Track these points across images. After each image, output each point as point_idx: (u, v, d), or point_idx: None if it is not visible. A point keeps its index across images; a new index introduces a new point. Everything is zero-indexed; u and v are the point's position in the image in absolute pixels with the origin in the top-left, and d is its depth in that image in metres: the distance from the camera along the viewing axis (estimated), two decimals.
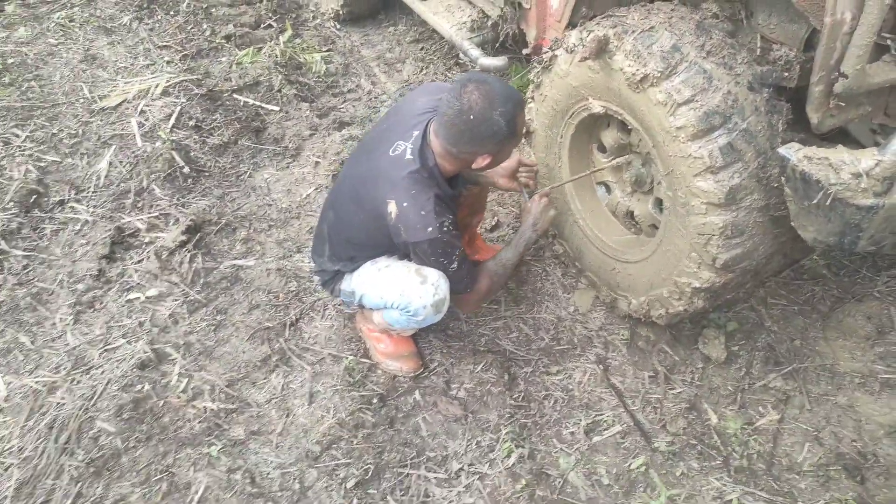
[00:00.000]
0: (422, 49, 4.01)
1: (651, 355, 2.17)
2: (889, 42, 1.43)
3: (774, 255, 1.89)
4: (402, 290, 1.87)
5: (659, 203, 2.09)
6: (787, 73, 1.78)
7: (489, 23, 2.87)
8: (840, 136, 1.90)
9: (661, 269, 2.00)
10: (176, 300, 2.44)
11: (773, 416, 1.97)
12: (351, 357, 2.20)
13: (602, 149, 2.27)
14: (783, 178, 1.58)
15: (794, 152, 1.52)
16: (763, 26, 1.86)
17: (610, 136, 2.19)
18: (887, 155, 1.35)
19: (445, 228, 1.79)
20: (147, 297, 2.44)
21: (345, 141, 3.25)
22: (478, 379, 2.13)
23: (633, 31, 1.87)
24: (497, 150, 1.80)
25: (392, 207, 1.79)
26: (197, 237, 2.69)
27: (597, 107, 2.04)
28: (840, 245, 1.52)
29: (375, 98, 3.63)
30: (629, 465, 1.89)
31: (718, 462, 1.88)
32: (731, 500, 1.78)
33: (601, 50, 1.90)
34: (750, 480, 1.83)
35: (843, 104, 1.55)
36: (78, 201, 2.90)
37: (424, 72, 3.81)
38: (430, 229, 1.76)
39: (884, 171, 1.36)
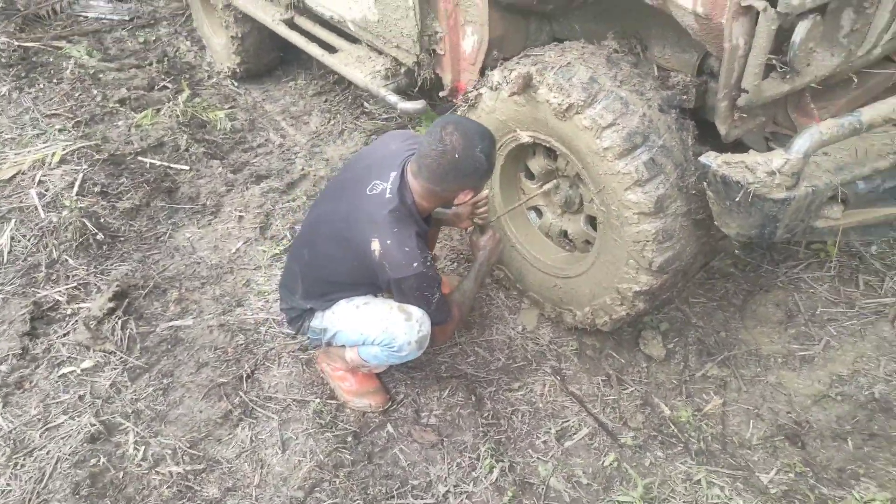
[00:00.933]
0: (325, 101, 4.10)
1: (600, 361, 2.33)
2: (775, 62, 1.70)
3: (698, 255, 2.12)
4: (386, 327, 1.92)
5: (590, 220, 2.28)
6: (685, 96, 2.04)
7: (402, 70, 3.02)
8: (733, 147, 2.20)
9: (601, 279, 2.18)
10: (115, 369, 2.31)
11: (717, 401, 2.17)
12: (317, 400, 2.18)
13: (530, 176, 2.45)
14: (705, 184, 1.80)
15: (712, 159, 1.75)
16: (659, 57, 2.13)
17: (537, 164, 2.37)
18: (792, 154, 1.60)
19: (429, 263, 1.87)
20: (82, 370, 2.29)
21: (265, 193, 3.25)
22: (446, 404, 2.18)
23: (553, 67, 2.07)
24: (477, 185, 1.92)
25: (376, 245, 1.84)
26: (125, 303, 2.57)
27: (525, 137, 2.22)
28: (761, 236, 1.75)
29: (288, 150, 3.66)
30: (602, 463, 2.01)
31: (680, 448, 2.05)
32: (699, 480, 1.94)
33: (526, 85, 2.08)
34: (710, 460, 2.01)
35: (744, 116, 1.81)
36: None
37: (332, 122, 3.89)
38: (415, 264, 1.83)
39: (791, 168, 1.60)
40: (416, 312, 1.93)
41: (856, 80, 1.95)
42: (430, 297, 1.91)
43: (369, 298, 2.02)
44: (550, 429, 2.11)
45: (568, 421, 2.14)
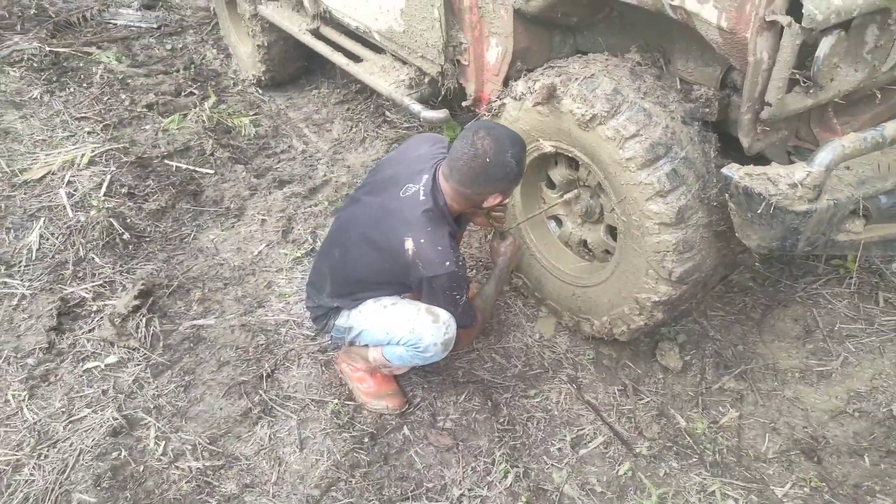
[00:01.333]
0: (348, 109, 4.16)
1: (617, 371, 2.34)
2: (798, 76, 1.72)
3: (718, 267, 2.13)
4: (413, 328, 1.95)
5: (610, 230, 2.30)
6: (707, 109, 2.06)
7: (426, 80, 3.06)
8: (755, 160, 2.21)
9: (620, 289, 2.19)
10: (138, 365, 2.35)
11: (733, 413, 2.17)
12: (335, 401, 2.21)
13: (551, 185, 2.48)
14: (727, 195, 1.82)
15: (735, 171, 1.76)
16: (682, 70, 2.15)
17: (558, 173, 2.39)
18: (814, 167, 1.61)
19: (460, 263, 1.92)
20: (106, 365, 2.34)
21: (287, 198, 3.30)
22: (462, 409, 2.20)
23: (577, 79, 2.10)
24: (506, 189, 1.95)
25: (409, 244, 1.87)
26: (150, 301, 2.62)
27: (547, 147, 2.24)
28: (782, 248, 1.76)
29: (310, 157, 3.71)
30: (617, 472, 2.01)
31: (695, 459, 2.04)
32: (713, 492, 1.94)
33: (550, 96, 2.12)
34: (725, 473, 2.01)
35: (767, 129, 1.83)
36: (10, 276, 2.75)
37: (354, 130, 3.94)
38: (447, 263, 1.87)
39: (813, 180, 1.61)
40: (444, 314, 1.96)
41: (879, 95, 1.96)
42: (458, 298, 1.94)
43: (396, 299, 2.05)
44: (565, 436, 2.12)
45: (583, 429, 2.15)
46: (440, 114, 2.94)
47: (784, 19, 1.57)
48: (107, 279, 2.76)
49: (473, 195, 1.91)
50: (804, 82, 1.71)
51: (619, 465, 2.03)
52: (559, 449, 2.09)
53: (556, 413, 2.19)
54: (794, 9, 1.57)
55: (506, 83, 2.49)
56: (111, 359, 2.36)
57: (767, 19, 1.59)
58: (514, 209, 2.52)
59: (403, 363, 2.06)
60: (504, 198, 1.97)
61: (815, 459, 2.02)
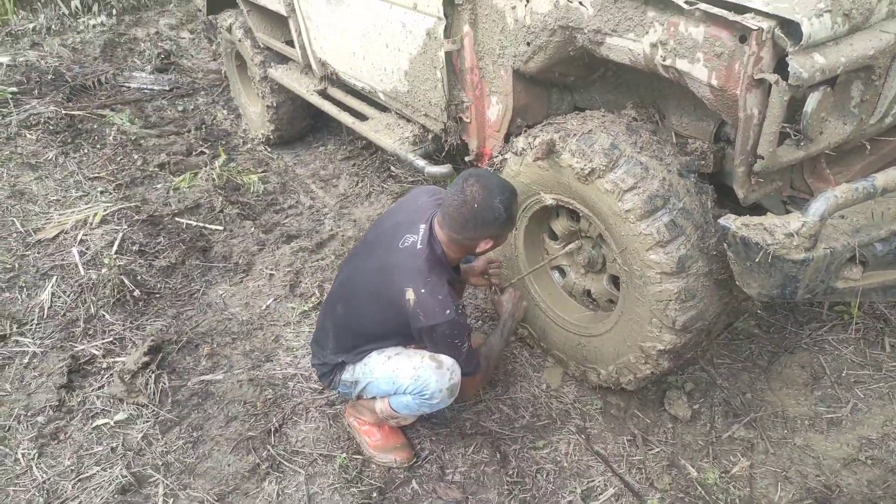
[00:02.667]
0: (354, 165, 4.26)
1: (625, 421, 2.34)
2: (789, 130, 1.78)
3: (721, 315, 2.15)
4: (418, 375, 1.97)
5: (612, 280, 2.34)
6: (703, 162, 2.12)
7: (430, 136, 3.16)
8: (751, 210, 2.26)
9: (625, 338, 2.21)
10: (147, 422, 2.36)
11: (744, 462, 2.15)
12: (343, 455, 2.20)
13: (553, 236, 2.53)
14: (725, 245, 1.86)
15: (732, 221, 1.81)
16: (677, 125, 2.23)
17: (560, 225, 2.45)
18: (809, 216, 1.66)
19: (461, 311, 1.95)
20: (115, 422, 2.35)
21: (295, 252, 3.36)
22: (470, 461, 2.19)
23: (575, 134, 2.17)
24: (497, 235, 2.01)
25: (410, 294, 1.91)
26: (159, 357, 2.65)
27: (548, 199, 2.31)
28: (782, 296, 1.79)
29: (317, 211, 3.79)
30: None
31: None
32: None
33: (550, 151, 2.19)
34: None
35: (761, 180, 1.89)
36: (22, 335, 2.79)
37: (360, 185, 4.04)
38: (447, 311, 1.90)
39: (809, 230, 1.66)
40: (447, 361, 1.98)
41: (869, 147, 2.03)
42: (460, 345, 1.97)
43: (400, 349, 2.08)
44: (576, 488, 2.10)
45: (593, 481, 2.13)
46: (443, 169, 3.03)
47: (772, 77, 1.64)
48: (117, 336, 2.79)
49: (465, 241, 1.96)
50: (794, 135, 1.77)
51: None
52: (570, 502, 2.07)
53: (565, 465, 2.18)
54: (781, 67, 1.64)
55: (507, 139, 2.58)
56: (120, 416, 2.38)
57: (756, 77, 1.67)
58: (517, 261, 2.56)
59: (411, 412, 2.07)
60: (496, 243, 2.02)
61: None
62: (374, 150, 4.24)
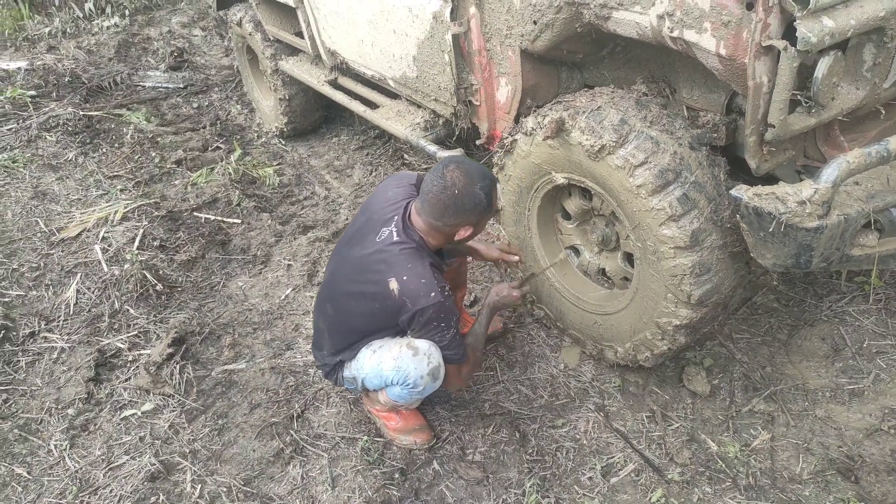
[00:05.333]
0: (367, 154, 4.28)
1: (644, 397, 2.34)
2: (800, 97, 1.76)
3: (737, 288, 2.14)
4: (398, 366, 1.98)
5: (627, 257, 2.33)
6: (715, 134, 2.10)
7: (440, 121, 3.17)
8: (765, 181, 2.24)
9: (641, 315, 2.21)
10: (173, 411, 2.42)
11: (765, 435, 2.15)
12: (365, 438, 2.24)
13: (566, 216, 2.52)
14: (738, 216, 1.85)
15: (744, 192, 1.79)
16: (687, 98, 2.21)
17: (573, 204, 2.44)
18: (821, 183, 1.64)
19: (447, 293, 1.95)
20: (143, 413, 2.41)
21: (312, 243, 3.39)
22: (490, 441, 2.21)
23: (584, 112, 2.16)
24: (477, 221, 2.01)
25: (394, 284, 1.93)
26: (183, 349, 2.70)
27: (560, 179, 2.30)
28: (797, 265, 1.77)
29: (332, 202, 3.82)
30: (650, 499, 2.00)
31: (728, 483, 2.02)
32: None
33: (559, 129, 2.18)
34: (760, 496, 1.98)
35: (773, 150, 1.87)
36: (50, 331, 2.86)
37: (374, 174, 4.05)
38: (433, 294, 1.91)
39: (821, 197, 1.64)
40: (423, 345, 1.98)
41: (884, 111, 1.99)
42: (446, 330, 1.97)
43: (385, 340, 2.08)
44: (595, 465, 2.11)
45: (613, 457, 2.14)
46: (455, 153, 3.03)
47: (780, 43, 1.62)
48: (141, 329, 2.85)
49: (445, 227, 1.97)
50: (806, 102, 1.75)
51: (651, 493, 2.02)
52: (590, 478, 2.08)
53: (584, 442, 2.20)
54: (790, 32, 1.62)
55: (517, 120, 2.57)
56: (147, 406, 2.44)
57: (764, 44, 1.64)
58: (531, 241, 2.56)
59: (406, 401, 2.08)
60: (476, 230, 2.03)
61: (852, 479, 1.99)
62: (387, 138, 4.26)
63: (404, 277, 1.92)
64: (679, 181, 1.98)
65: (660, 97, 2.23)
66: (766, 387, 2.31)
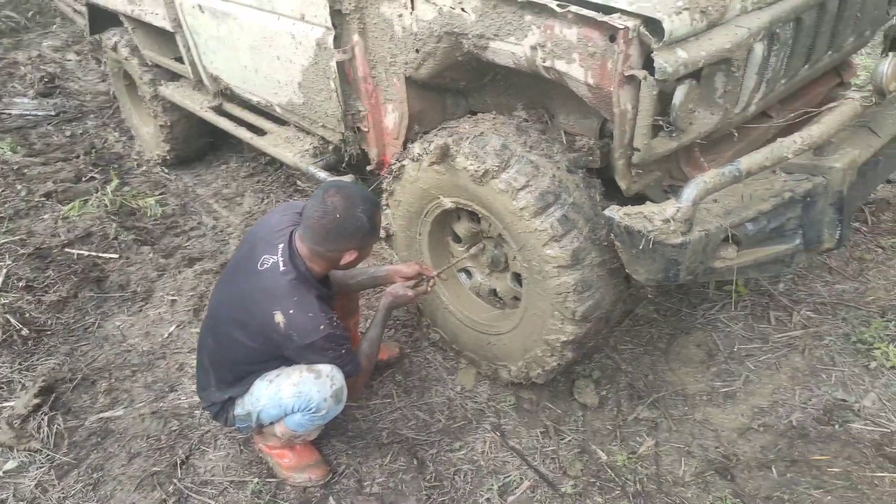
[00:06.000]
0: (258, 182, 4.17)
1: (538, 413, 2.39)
2: (661, 122, 1.88)
3: (617, 302, 2.24)
4: (300, 391, 1.93)
5: (516, 277, 2.39)
6: (591, 158, 2.21)
7: (330, 147, 3.14)
8: (637, 200, 2.37)
9: (531, 333, 2.26)
10: (41, 468, 2.21)
11: (650, 442, 2.25)
12: (256, 480, 2.14)
13: (457, 239, 2.56)
14: (612, 236, 1.94)
15: (615, 212, 1.89)
16: (565, 124, 2.31)
17: (462, 227, 2.48)
18: (682, 202, 1.75)
19: (335, 322, 1.92)
20: (5, 472, 2.18)
21: (198, 276, 3.24)
22: (388, 471, 2.18)
23: (468, 137, 2.21)
24: (361, 246, 1.99)
25: (279, 318, 1.87)
26: (52, 398, 2.49)
27: (448, 203, 2.33)
28: (667, 279, 1.88)
29: (221, 231, 3.68)
30: None
31: (618, 492, 2.09)
32: None
33: (445, 155, 2.22)
34: (647, 501, 2.06)
35: (641, 172, 1.98)
36: None
37: (265, 202, 3.95)
38: (321, 327, 1.87)
39: (683, 215, 1.75)
40: (325, 368, 1.95)
41: (737, 134, 2.16)
42: (340, 353, 1.95)
43: (280, 370, 2.02)
44: (493, 485, 2.13)
45: (510, 476, 2.16)
46: (346, 179, 3.01)
47: (640, 73, 1.73)
48: (4, 379, 2.60)
49: (328, 253, 1.95)
50: (667, 127, 1.87)
51: None
52: (487, 499, 2.09)
53: (482, 463, 2.21)
54: (649, 63, 1.73)
55: (405, 145, 2.59)
56: (10, 465, 2.22)
57: (626, 74, 1.75)
58: (424, 264, 2.57)
59: (307, 429, 2.03)
60: (361, 255, 2.02)
61: (728, 477, 2.11)
62: (279, 165, 4.17)
63: (291, 311, 1.87)
64: (559, 203, 2.06)
65: (539, 123, 2.32)
66: (649, 394, 2.43)
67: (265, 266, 1.94)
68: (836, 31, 2.21)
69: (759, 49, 1.90)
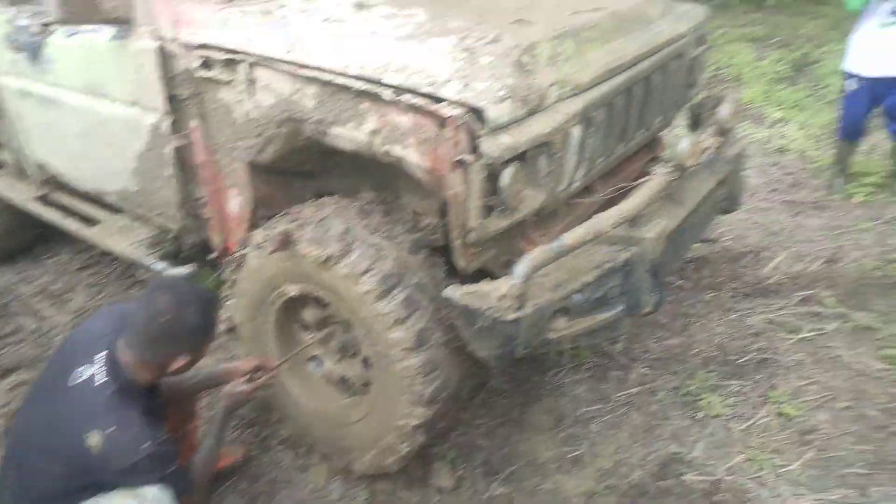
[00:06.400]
0: (92, 274, 3.86)
1: None
2: (492, 203, 1.97)
3: (465, 379, 2.26)
4: None
5: (366, 362, 2.35)
6: (434, 236, 2.27)
7: (170, 236, 2.98)
8: (484, 274, 2.45)
9: (382, 420, 2.20)
10: None
11: None
12: None
13: (305, 327, 2.48)
14: (453, 314, 1.98)
15: (454, 291, 1.94)
16: (410, 204, 2.37)
17: (310, 314, 2.41)
18: (515, 279, 1.83)
19: (161, 440, 1.76)
20: None
21: (12, 389, 2.89)
22: None
23: (310, 223, 2.19)
24: (193, 349, 1.86)
25: (95, 440, 1.69)
26: None
27: (293, 290, 2.27)
28: (506, 354, 1.93)
29: (44, 335, 3.33)
30: None
31: None
32: None
33: (287, 242, 2.18)
34: None
35: (478, 250, 2.06)
36: None
37: (100, 296, 3.65)
38: (144, 446, 1.71)
39: (517, 291, 1.83)
40: (150, 492, 1.77)
41: (565, 209, 2.33)
42: (166, 474, 1.78)
43: (97, 499, 1.80)
44: None
45: None
46: (186, 269, 2.85)
47: (468, 158, 1.82)
48: None
49: (155, 359, 1.81)
50: (498, 207, 1.97)
51: None
52: None
53: None
54: (476, 148, 1.84)
55: (251, 231, 2.51)
56: None
57: (455, 159, 1.84)
58: (271, 355, 2.46)
59: None
60: (194, 359, 1.89)
61: None
62: (115, 255, 3.88)
63: (110, 430, 1.70)
64: (402, 284, 2.07)
65: (384, 204, 2.36)
66: (503, 468, 2.43)
67: (79, 380, 1.75)
68: (643, 113, 2.49)
69: (576, 132, 2.09)
